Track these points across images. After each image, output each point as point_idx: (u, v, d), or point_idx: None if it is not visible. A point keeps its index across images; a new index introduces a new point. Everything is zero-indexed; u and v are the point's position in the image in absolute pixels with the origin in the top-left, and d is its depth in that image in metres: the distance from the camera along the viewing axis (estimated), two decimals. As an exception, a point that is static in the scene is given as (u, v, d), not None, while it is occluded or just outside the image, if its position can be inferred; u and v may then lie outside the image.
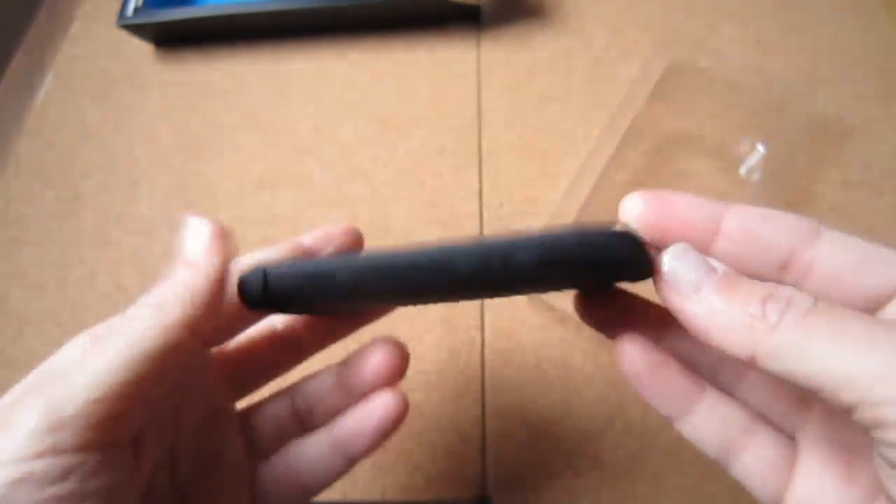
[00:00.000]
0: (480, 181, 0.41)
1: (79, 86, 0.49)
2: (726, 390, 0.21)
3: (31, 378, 0.17)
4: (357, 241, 0.24)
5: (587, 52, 0.46)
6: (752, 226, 0.18)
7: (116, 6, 0.48)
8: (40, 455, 0.14)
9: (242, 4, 0.46)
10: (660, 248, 0.18)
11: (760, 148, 0.40)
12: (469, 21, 0.48)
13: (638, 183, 0.39)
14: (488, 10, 0.48)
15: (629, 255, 0.17)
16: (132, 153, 0.45)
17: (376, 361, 0.23)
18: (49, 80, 0.50)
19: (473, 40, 0.47)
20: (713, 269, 0.17)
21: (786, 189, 0.39)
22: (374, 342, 0.24)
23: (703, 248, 0.18)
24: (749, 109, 0.41)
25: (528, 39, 0.47)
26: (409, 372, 0.37)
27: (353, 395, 0.24)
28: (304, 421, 0.25)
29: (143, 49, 0.50)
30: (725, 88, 0.41)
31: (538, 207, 0.40)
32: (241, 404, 0.26)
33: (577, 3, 0.49)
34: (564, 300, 0.34)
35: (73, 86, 0.49)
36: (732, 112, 0.41)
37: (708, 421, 0.20)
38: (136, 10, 0.47)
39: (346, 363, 0.24)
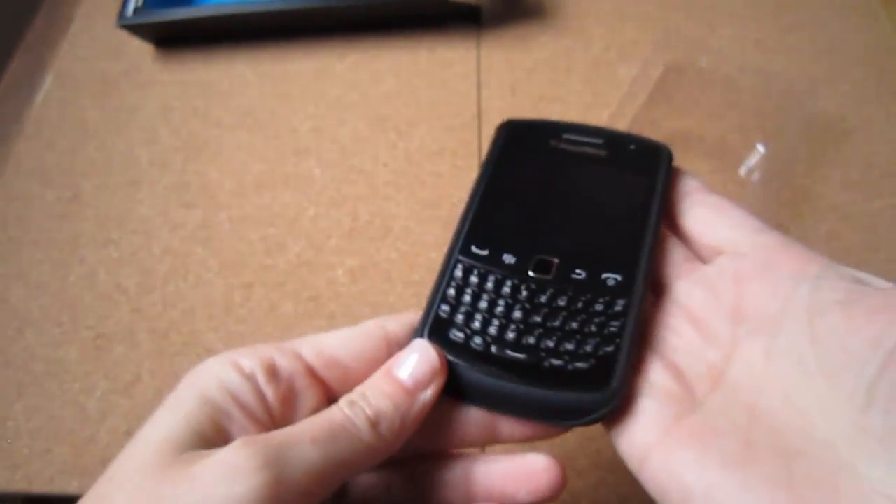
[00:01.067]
0: (480, 181, 0.41)
1: (79, 86, 0.49)
2: None
3: None
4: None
5: (587, 52, 0.46)
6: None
7: (116, 6, 0.48)
8: None
9: (242, 4, 0.46)
10: None
11: (760, 148, 0.40)
12: (469, 21, 0.48)
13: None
14: (488, 10, 0.48)
15: None
16: (132, 153, 0.45)
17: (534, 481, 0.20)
18: (49, 80, 0.50)
19: (473, 40, 0.47)
20: None
21: (786, 189, 0.39)
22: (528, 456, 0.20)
23: None
24: (749, 109, 0.41)
25: (528, 39, 0.47)
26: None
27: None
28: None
29: (143, 49, 0.50)
30: (725, 88, 0.41)
31: (538, 207, 0.40)
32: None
33: (577, 3, 0.49)
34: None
35: (73, 86, 0.49)
36: (732, 112, 0.41)
37: None
38: (136, 10, 0.47)
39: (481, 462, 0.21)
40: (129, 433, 0.35)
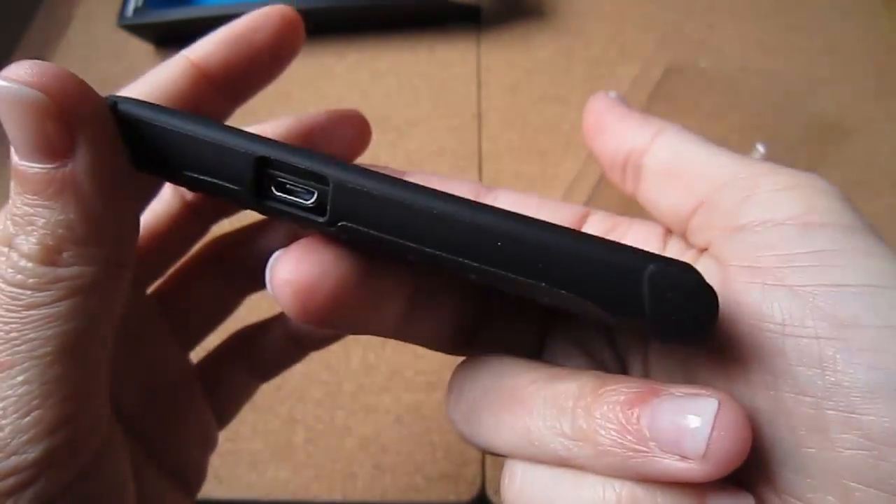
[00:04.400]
0: (480, 181, 0.41)
1: (79, 86, 0.49)
2: None
3: None
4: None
5: (587, 52, 0.46)
6: (605, 120, 0.20)
7: (116, 6, 0.48)
8: None
9: (243, 5, 0.46)
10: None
11: (760, 148, 0.40)
12: (469, 21, 0.48)
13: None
14: (488, 10, 0.48)
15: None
16: (132, 153, 0.45)
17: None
18: (49, 80, 0.50)
19: (473, 40, 0.47)
20: None
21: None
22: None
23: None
24: (749, 109, 0.41)
25: (528, 39, 0.47)
26: (409, 372, 0.37)
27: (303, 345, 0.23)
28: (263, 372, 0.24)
29: (143, 49, 0.50)
30: (725, 88, 0.41)
31: (538, 207, 0.40)
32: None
33: (577, 3, 0.49)
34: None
35: (72, 86, 0.49)
36: (732, 112, 0.41)
37: None
38: (136, 10, 0.47)
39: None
40: (129, 433, 0.35)
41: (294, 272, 0.14)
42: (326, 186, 0.13)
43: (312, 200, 0.13)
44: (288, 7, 0.19)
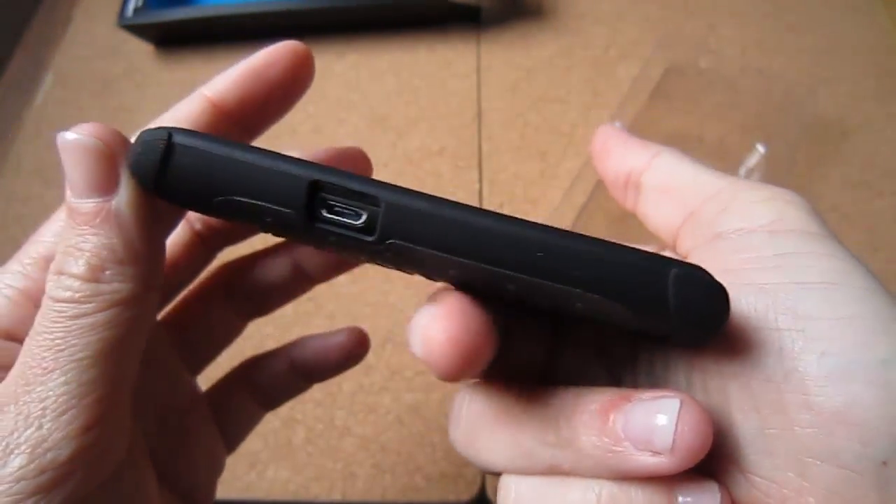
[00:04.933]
0: (480, 181, 0.41)
1: (79, 86, 0.49)
2: None
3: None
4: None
5: (587, 52, 0.46)
6: (610, 145, 0.22)
7: (116, 6, 0.48)
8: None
9: (242, 4, 0.46)
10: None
11: (760, 148, 0.40)
12: (469, 21, 0.48)
13: (638, 183, 0.39)
14: (488, 10, 0.48)
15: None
16: (132, 153, 0.45)
17: (337, 342, 0.24)
18: (49, 80, 0.50)
19: (473, 40, 0.47)
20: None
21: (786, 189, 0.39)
22: (335, 332, 0.25)
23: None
24: (749, 109, 0.41)
25: (528, 39, 0.47)
26: (409, 373, 0.37)
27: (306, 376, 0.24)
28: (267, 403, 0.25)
29: (143, 49, 0.50)
30: (725, 88, 0.42)
31: (538, 207, 0.40)
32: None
33: (577, 3, 0.49)
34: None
35: (73, 86, 0.49)
36: (732, 112, 0.41)
37: None
38: (136, 10, 0.47)
39: (298, 345, 0.25)
40: (129, 433, 0.35)
41: (448, 330, 0.15)
42: (378, 207, 0.14)
43: (362, 221, 0.14)
44: (299, 43, 0.20)
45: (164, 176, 0.15)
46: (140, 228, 0.16)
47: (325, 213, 0.14)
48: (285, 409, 0.35)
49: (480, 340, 0.15)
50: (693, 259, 0.18)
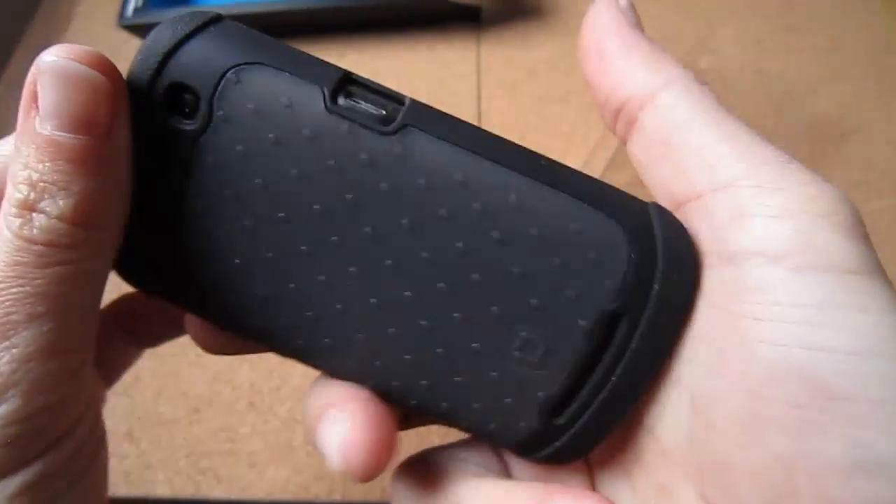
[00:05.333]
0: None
1: (79, 86, 0.49)
2: None
3: None
4: None
5: (587, 52, 0.46)
6: (607, 46, 0.17)
7: (116, 6, 0.48)
8: None
9: (242, 5, 0.46)
10: None
11: (760, 148, 0.40)
12: (469, 21, 0.48)
13: (638, 183, 0.39)
14: (488, 10, 0.48)
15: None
16: (132, 153, 0.45)
17: None
18: (49, 80, 0.50)
19: (473, 40, 0.47)
20: None
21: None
22: None
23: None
24: (749, 109, 0.41)
25: (528, 39, 0.47)
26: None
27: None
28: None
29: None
30: (725, 88, 0.41)
31: (538, 207, 0.40)
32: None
33: (577, 3, 0.49)
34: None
35: (72, 86, 0.49)
36: (732, 112, 0.41)
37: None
38: (136, 10, 0.47)
39: None
40: (129, 433, 0.35)
41: (358, 436, 0.15)
42: (401, 105, 0.15)
43: (381, 114, 0.15)
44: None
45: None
46: (127, 169, 0.15)
47: (347, 99, 0.15)
48: (285, 409, 0.35)
49: (393, 440, 0.16)
50: (703, 287, 0.15)
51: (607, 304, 0.15)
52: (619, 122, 0.17)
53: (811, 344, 0.13)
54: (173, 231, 0.16)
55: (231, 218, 0.15)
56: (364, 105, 0.15)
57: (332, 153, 0.15)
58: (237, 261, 0.16)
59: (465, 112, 0.44)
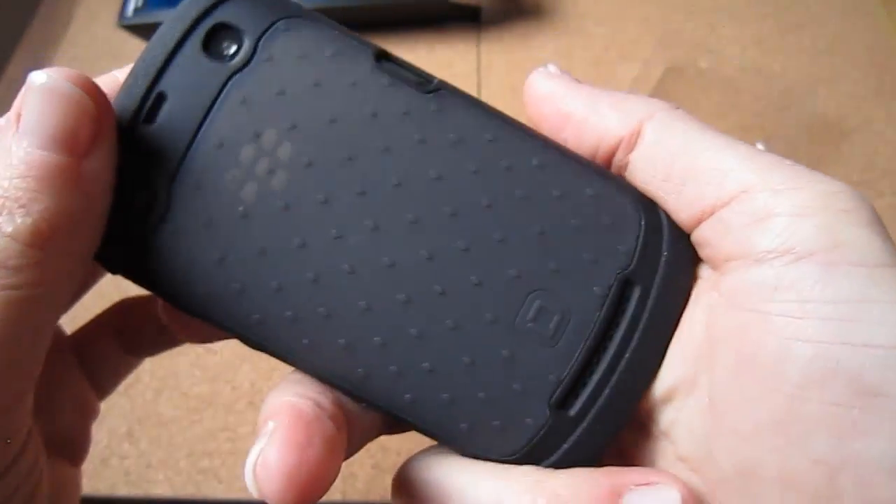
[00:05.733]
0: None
1: (79, 86, 0.49)
2: None
3: None
4: None
5: (587, 52, 0.46)
6: (564, 108, 0.17)
7: (116, 6, 0.48)
8: None
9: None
10: None
11: (760, 148, 0.39)
12: (469, 21, 0.48)
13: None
14: (488, 10, 0.48)
15: None
16: (132, 153, 0.45)
17: None
18: (49, 80, 0.50)
19: (473, 40, 0.47)
20: None
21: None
22: None
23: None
24: (749, 109, 0.41)
25: (528, 39, 0.47)
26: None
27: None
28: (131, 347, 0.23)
29: (142, 49, 0.50)
30: (725, 88, 0.41)
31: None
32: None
33: (577, 3, 0.49)
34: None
35: (72, 86, 0.49)
36: (732, 112, 0.41)
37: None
38: (136, 10, 0.47)
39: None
40: (129, 433, 0.35)
41: (274, 457, 0.13)
42: (432, 81, 0.16)
43: (419, 80, 0.16)
44: None
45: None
46: (104, 194, 0.14)
47: (388, 62, 0.16)
48: (285, 409, 0.35)
49: (326, 469, 0.13)
50: (728, 287, 0.15)
51: (621, 267, 0.15)
52: (613, 170, 0.17)
53: (850, 340, 0.12)
54: (175, 179, 0.15)
55: (247, 163, 0.15)
56: (403, 71, 0.16)
57: (372, 102, 0.15)
58: (240, 208, 0.15)
59: (465, 112, 0.44)
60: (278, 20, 0.15)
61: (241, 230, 0.15)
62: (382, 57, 0.16)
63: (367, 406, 0.16)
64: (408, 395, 0.15)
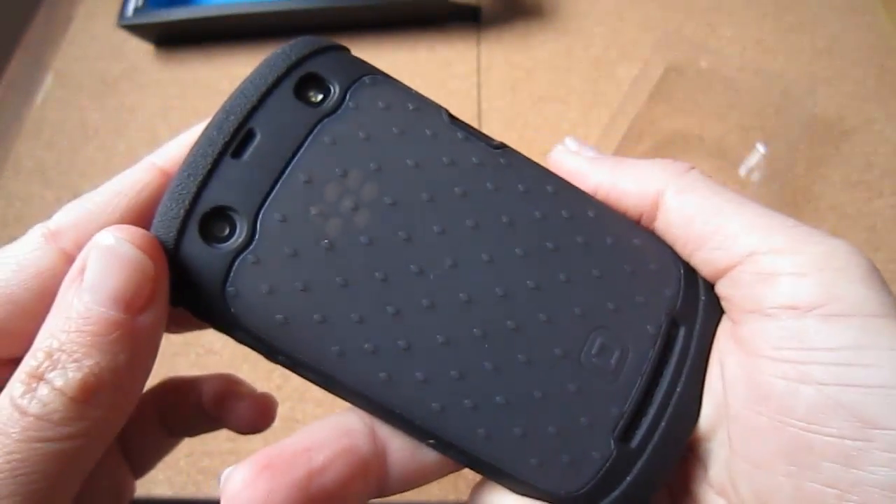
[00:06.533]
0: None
1: (79, 86, 0.49)
2: None
3: None
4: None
5: (587, 52, 0.46)
6: (613, 178, 0.18)
7: (116, 6, 0.48)
8: None
9: (242, 4, 0.46)
10: None
11: (760, 148, 0.40)
12: (469, 21, 0.48)
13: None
14: (488, 10, 0.48)
15: None
16: (132, 153, 0.45)
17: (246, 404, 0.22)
18: (49, 80, 0.50)
19: (473, 40, 0.47)
20: None
21: (786, 189, 0.39)
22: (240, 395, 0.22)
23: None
24: (749, 109, 0.41)
25: (528, 39, 0.47)
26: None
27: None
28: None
29: (143, 49, 0.50)
30: (725, 88, 0.41)
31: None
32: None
33: (577, 3, 0.49)
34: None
35: (73, 86, 0.49)
36: (732, 112, 0.41)
37: None
38: (136, 10, 0.47)
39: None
40: (129, 433, 0.35)
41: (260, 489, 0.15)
42: (493, 140, 0.18)
43: (486, 137, 0.18)
44: None
45: None
46: (153, 350, 0.14)
47: (459, 121, 0.18)
48: (285, 409, 0.35)
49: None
50: (741, 335, 0.16)
51: (669, 309, 0.17)
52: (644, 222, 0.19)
53: (850, 381, 0.14)
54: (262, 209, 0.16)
55: (332, 199, 0.16)
56: (472, 129, 0.18)
57: (449, 152, 0.17)
58: (325, 241, 0.16)
59: (465, 112, 0.44)
60: (364, 75, 0.17)
61: (326, 262, 0.16)
62: (451, 116, 0.18)
63: (434, 444, 0.16)
64: (481, 430, 0.16)
